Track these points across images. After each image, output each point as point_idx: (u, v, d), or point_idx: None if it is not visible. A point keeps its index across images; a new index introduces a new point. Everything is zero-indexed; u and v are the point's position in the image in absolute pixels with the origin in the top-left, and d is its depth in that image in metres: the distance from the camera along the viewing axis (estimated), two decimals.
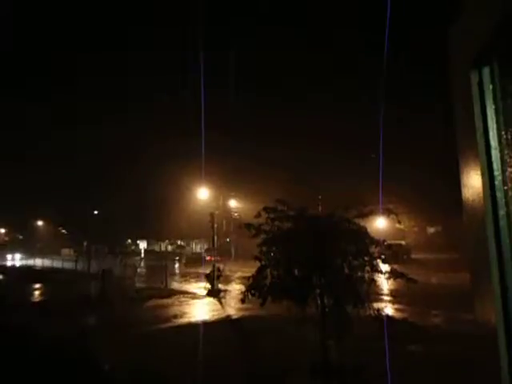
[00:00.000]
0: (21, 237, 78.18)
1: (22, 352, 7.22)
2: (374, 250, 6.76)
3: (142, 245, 68.37)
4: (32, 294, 19.50)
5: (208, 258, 35.74)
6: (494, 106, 1.37)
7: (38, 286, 21.83)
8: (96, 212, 55.29)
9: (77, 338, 9.28)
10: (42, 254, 56.33)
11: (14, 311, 13.47)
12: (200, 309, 14.94)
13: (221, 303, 15.83)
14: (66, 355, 7.29)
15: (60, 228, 69.95)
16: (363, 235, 6.69)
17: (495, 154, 1.35)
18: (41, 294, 19.84)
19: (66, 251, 60.68)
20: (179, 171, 43.98)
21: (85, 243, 52.50)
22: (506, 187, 1.32)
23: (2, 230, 79.59)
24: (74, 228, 58.58)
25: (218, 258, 19.23)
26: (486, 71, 1.39)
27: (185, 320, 12.65)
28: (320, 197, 35.88)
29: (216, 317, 13.11)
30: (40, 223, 74.54)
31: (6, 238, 78.29)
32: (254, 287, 6.63)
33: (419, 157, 42.57)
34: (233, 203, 48.91)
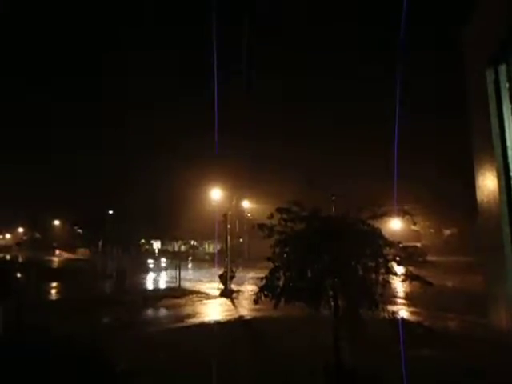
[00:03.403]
0: (38, 235, 79.76)
1: (35, 351, 7.35)
2: (388, 251, 6.68)
3: (156, 245, 68.97)
4: (48, 293, 19.83)
5: None
6: (510, 105, 1.34)
7: (54, 284, 22.21)
8: (111, 212, 55.98)
9: (90, 337, 9.40)
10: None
11: (30, 310, 13.71)
12: (213, 309, 14.98)
13: (234, 304, 15.85)
14: (80, 354, 7.38)
15: (76, 227, 71.07)
16: (377, 237, 6.61)
17: (511, 154, 1.31)
18: (56, 293, 20.18)
19: (81, 251, 61.65)
20: (193, 172, 44.29)
21: (100, 243, 53.22)
22: None
23: (20, 229, 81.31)
24: (89, 228, 59.46)
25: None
26: (503, 69, 1.36)
27: (198, 320, 12.70)
28: (333, 197, 35.62)
29: (229, 317, 13.12)
30: (56, 222, 75.92)
31: (24, 237, 79.97)
32: (266, 288, 6.61)
33: (436, 157, 41.94)
34: (246, 204, 48.95)
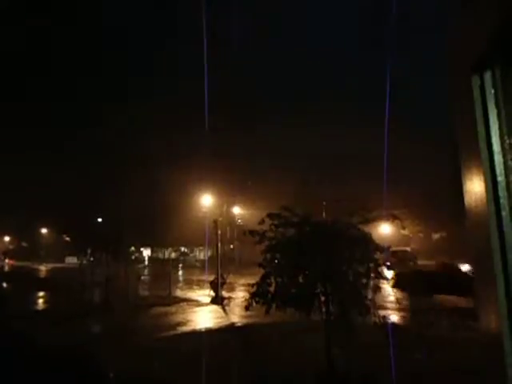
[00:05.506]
0: (25, 244, 78.48)
1: (25, 361, 7.21)
2: (378, 256, 6.72)
3: (146, 252, 68.36)
4: (36, 303, 19.49)
5: None
6: (496, 111, 1.36)
7: (41, 294, 21.83)
8: (100, 219, 55.44)
9: (80, 346, 9.25)
10: (46, 261, 56.54)
11: (18, 320, 13.45)
12: (204, 316, 14.86)
13: (225, 311, 15.75)
14: (70, 363, 7.26)
15: (64, 236, 70.14)
16: (368, 241, 6.65)
17: (498, 159, 1.33)
18: (44, 302, 19.83)
19: (70, 259, 60.88)
20: (183, 178, 44.15)
21: (89, 251, 52.60)
22: (509, 193, 1.29)
23: (7, 238, 79.89)
24: (77, 235, 58.72)
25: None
26: (488, 75, 1.38)
27: (189, 328, 12.58)
28: (324, 203, 35.81)
29: (220, 324, 13.03)
30: (44, 231, 74.80)
31: (11, 246, 78.58)
32: (258, 294, 6.60)
33: (425, 162, 42.47)
34: (236, 210, 48.92)
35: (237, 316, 14.16)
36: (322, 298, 6.46)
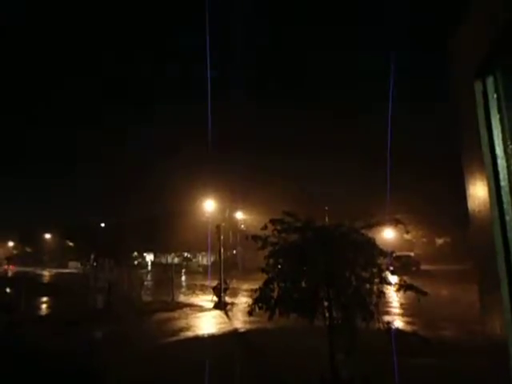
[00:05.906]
0: (29, 249, 78.72)
1: (27, 367, 7.20)
2: (382, 261, 6.68)
3: (149, 257, 68.37)
4: (39, 308, 19.50)
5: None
6: (498, 115, 1.36)
7: (44, 299, 21.84)
8: (103, 225, 55.59)
9: (82, 351, 9.24)
10: (49, 266, 56.65)
11: (21, 325, 13.46)
12: (207, 322, 14.82)
13: (228, 316, 15.70)
14: (72, 370, 7.24)
15: (67, 241, 70.30)
16: (371, 246, 6.62)
17: (501, 163, 1.33)
18: (47, 308, 19.84)
19: (73, 264, 60.98)
20: (186, 184, 44.29)
21: (92, 256, 52.71)
22: None
23: (11, 243, 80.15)
24: (81, 240, 58.85)
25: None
26: (490, 80, 1.38)
27: (192, 333, 12.54)
28: (327, 208, 35.77)
29: (223, 330, 12.99)
30: (47, 236, 74.98)
31: (15, 251, 78.82)
32: (261, 300, 6.57)
33: (428, 167, 42.43)
34: (239, 215, 48.91)
35: (240, 321, 14.12)
36: (325, 303, 6.43)
